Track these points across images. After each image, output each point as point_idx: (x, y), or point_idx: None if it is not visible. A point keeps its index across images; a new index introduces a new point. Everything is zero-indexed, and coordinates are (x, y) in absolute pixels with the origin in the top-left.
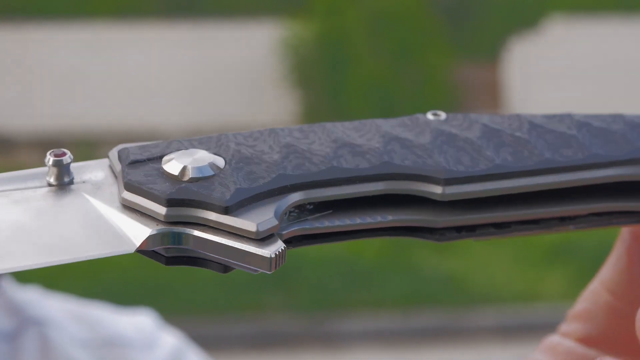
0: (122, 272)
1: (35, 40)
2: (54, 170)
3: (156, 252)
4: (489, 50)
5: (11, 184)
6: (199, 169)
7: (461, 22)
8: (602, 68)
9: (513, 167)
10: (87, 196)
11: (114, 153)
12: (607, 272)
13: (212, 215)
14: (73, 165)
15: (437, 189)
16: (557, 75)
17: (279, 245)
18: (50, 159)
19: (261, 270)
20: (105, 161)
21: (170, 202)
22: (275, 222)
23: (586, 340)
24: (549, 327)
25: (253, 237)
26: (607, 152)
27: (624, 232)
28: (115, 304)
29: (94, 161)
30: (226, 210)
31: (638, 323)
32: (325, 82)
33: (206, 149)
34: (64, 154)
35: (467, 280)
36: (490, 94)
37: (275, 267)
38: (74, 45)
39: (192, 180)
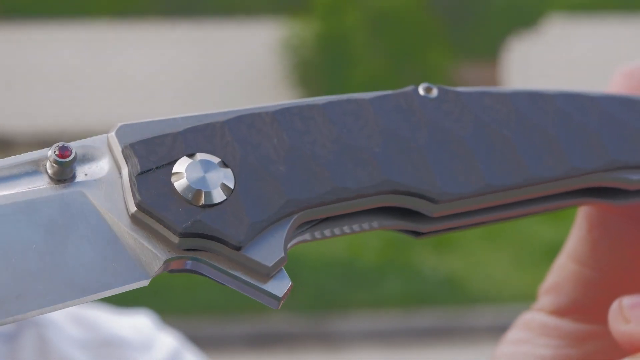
0: None
1: (35, 40)
2: (57, 167)
3: None
4: (488, 50)
5: (11, 179)
6: (212, 195)
7: (461, 22)
8: (601, 68)
9: (501, 185)
10: (94, 202)
11: (115, 141)
12: (571, 243)
13: (225, 250)
14: (72, 145)
15: (429, 206)
16: (556, 75)
17: (287, 284)
18: (53, 157)
19: (267, 305)
20: (103, 140)
21: (184, 235)
22: (285, 259)
23: (558, 311)
24: None
25: (264, 274)
26: (584, 163)
27: None
28: (113, 305)
29: (91, 142)
30: (239, 248)
31: (611, 318)
32: (325, 82)
33: (212, 151)
34: (68, 153)
35: (466, 281)
36: None
37: (282, 303)
38: (74, 45)
39: (205, 206)
